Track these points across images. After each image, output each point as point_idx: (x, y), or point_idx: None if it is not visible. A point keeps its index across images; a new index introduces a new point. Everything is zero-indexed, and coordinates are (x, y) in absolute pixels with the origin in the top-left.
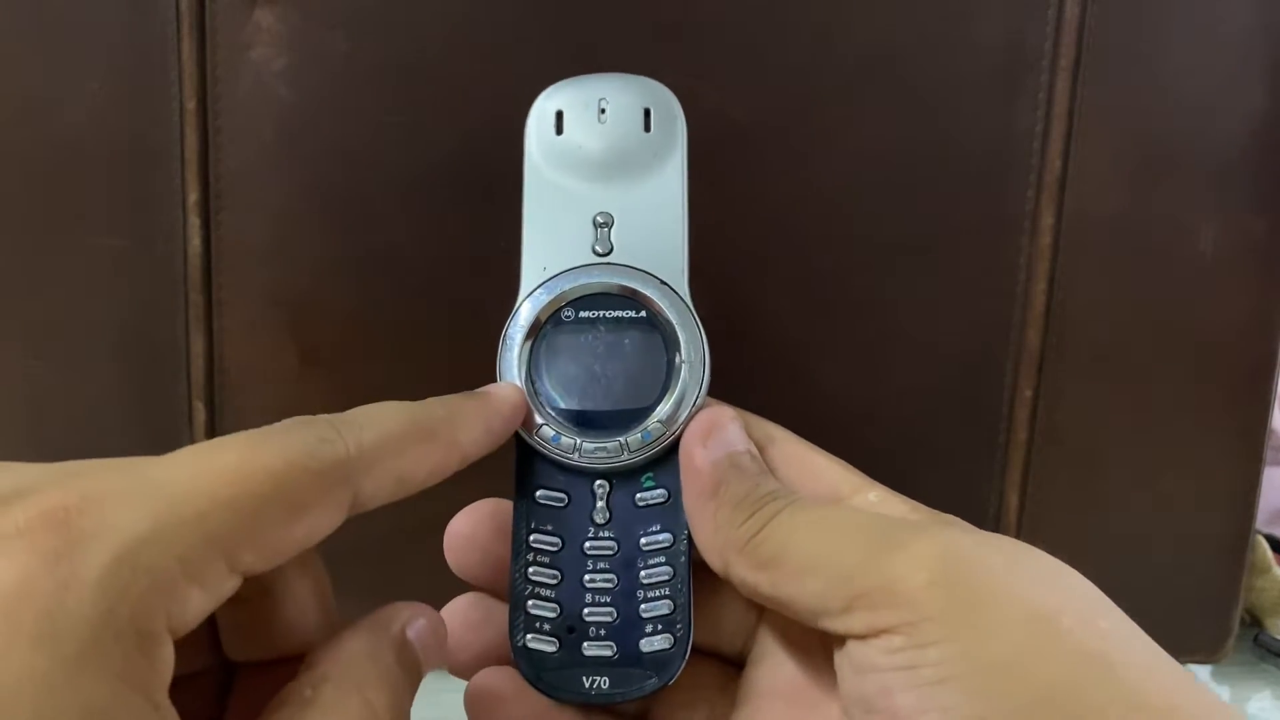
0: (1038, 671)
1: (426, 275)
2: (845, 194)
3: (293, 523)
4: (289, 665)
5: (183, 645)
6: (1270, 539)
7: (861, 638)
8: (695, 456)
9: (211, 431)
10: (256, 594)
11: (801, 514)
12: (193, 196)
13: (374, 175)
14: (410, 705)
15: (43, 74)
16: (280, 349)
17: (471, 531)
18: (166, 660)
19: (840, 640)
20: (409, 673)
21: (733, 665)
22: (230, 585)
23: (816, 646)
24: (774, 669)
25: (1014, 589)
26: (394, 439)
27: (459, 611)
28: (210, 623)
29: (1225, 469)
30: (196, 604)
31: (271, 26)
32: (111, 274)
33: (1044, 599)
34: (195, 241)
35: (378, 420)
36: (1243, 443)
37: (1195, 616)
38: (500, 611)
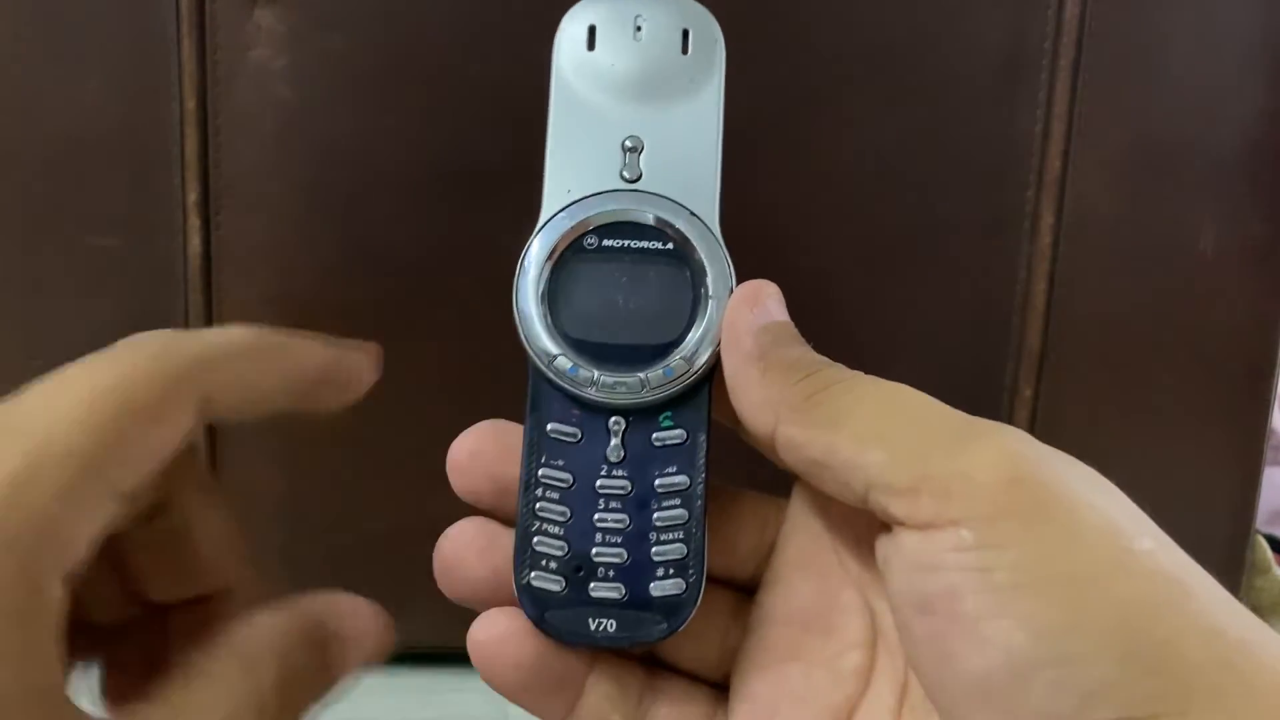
0: (1118, 588)
1: (426, 274)
2: (844, 194)
3: (150, 429)
4: (215, 602)
5: (104, 592)
6: (1270, 539)
7: (922, 528)
8: (742, 319)
9: (211, 431)
10: (163, 533)
11: (868, 384)
12: (193, 196)
13: (374, 175)
14: (317, 700)
15: (43, 74)
16: None
17: (477, 449)
18: (56, 600)
19: (889, 530)
20: (321, 666)
21: (744, 592)
22: (112, 510)
23: (835, 568)
24: (787, 594)
25: (1092, 501)
26: (236, 343)
27: (462, 535)
28: (129, 570)
29: (1225, 469)
30: (82, 535)
31: (271, 26)
32: (111, 274)
33: (1122, 516)
34: (195, 241)
35: (223, 330)
36: (1243, 443)
37: None
38: (506, 537)
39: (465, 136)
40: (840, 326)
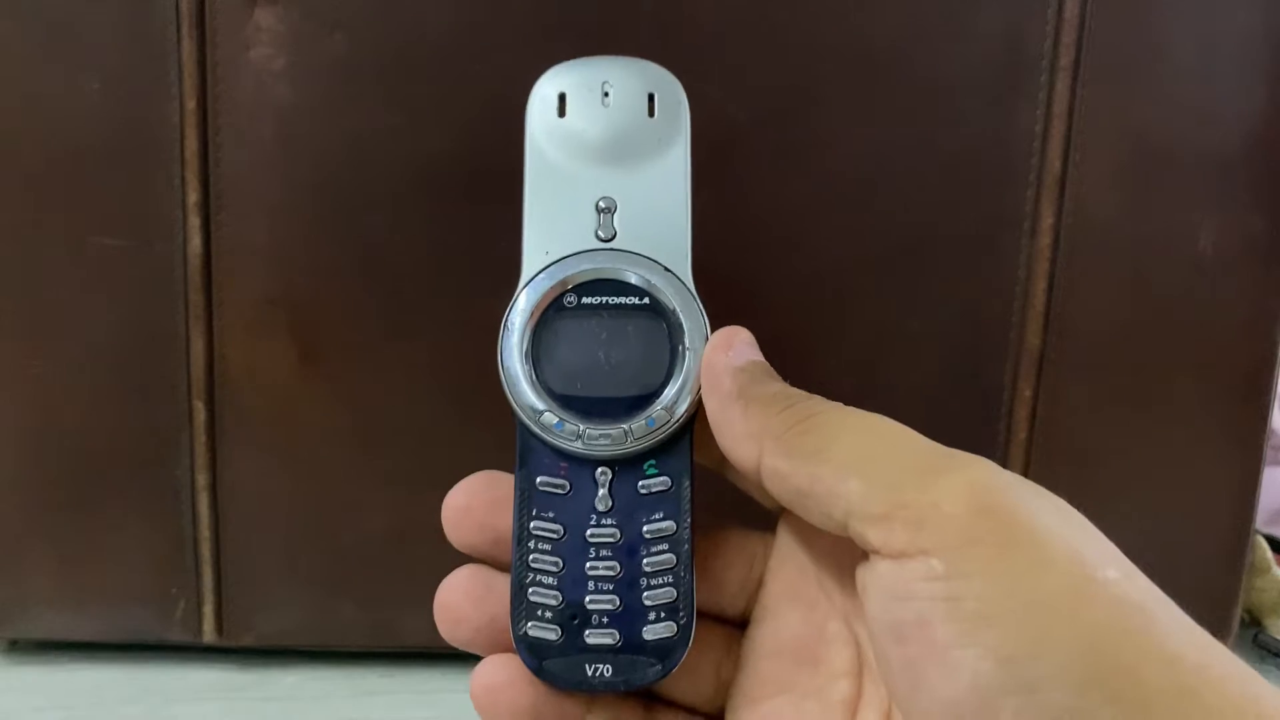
0: (1081, 616)
1: (426, 274)
2: (845, 194)
3: None
4: None
5: None
6: (1270, 539)
7: (896, 557)
8: (719, 362)
9: (211, 431)
10: None
11: (848, 415)
12: (193, 196)
13: (374, 175)
14: None
15: (43, 74)
16: (280, 349)
17: (468, 504)
18: None
19: (868, 558)
20: None
21: (736, 627)
22: None
23: (821, 600)
24: (776, 627)
25: (1057, 530)
26: None
27: (459, 584)
28: None
29: (1225, 469)
30: None
31: (271, 26)
32: (111, 274)
33: (1087, 546)
34: (195, 241)
35: None
36: (1243, 443)
37: (1195, 616)
38: (502, 583)
39: (465, 136)
40: (841, 327)
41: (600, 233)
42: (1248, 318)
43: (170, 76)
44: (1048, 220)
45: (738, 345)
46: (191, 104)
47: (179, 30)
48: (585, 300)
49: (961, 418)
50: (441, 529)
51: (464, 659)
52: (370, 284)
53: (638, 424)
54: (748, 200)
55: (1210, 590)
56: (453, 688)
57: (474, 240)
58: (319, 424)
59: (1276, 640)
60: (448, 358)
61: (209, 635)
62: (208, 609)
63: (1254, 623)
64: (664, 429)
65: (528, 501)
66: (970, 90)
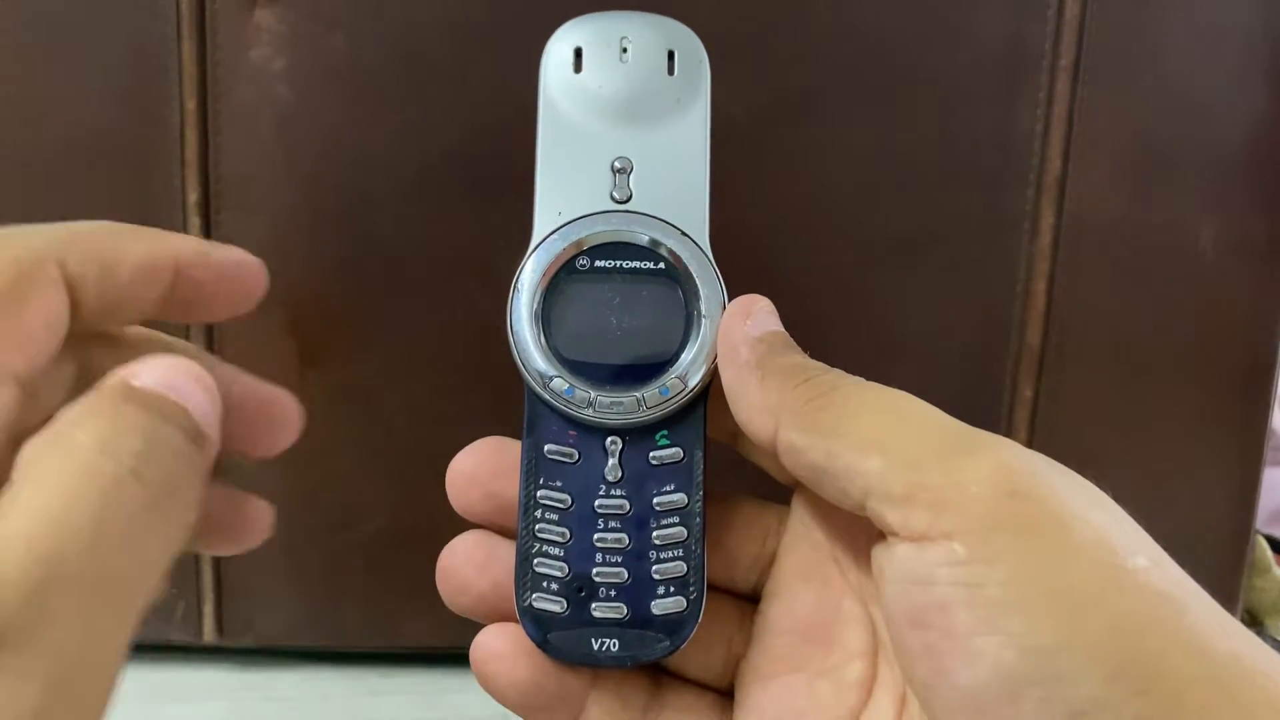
0: (1109, 605)
1: (426, 275)
2: (845, 194)
3: (19, 309)
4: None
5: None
6: (1270, 539)
7: (916, 540)
8: (736, 330)
9: None
10: None
11: (869, 390)
12: (193, 196)
13: (374, 175)
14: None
15: (43, 74)
16: (280, 349)
17: (474, 470)
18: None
19: (885, 539)
20: (152, 426)
21: (748, 600)
22: (10, 395)
23: (836, 577)
24: (789, 604)
25: (1085, 516)
26: (94, 228)
27: (462, 550)
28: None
29: (1225, 469)
30: None
31: (271, 26)
32: None
33: (1116, 532)
34: None
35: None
36: (1243, 443)
37: None
38: (506, 549)
39: (465, 136)
40: (841, 326)
41: (615, 194)
42: (1248, 318)
43: (170, 76)
44: (1048, 220)
45: (756, 314)
46: (191, 104)
47: (179, 30)
48: (598, 263)
49: (961, 418)
50: (442, 529)
51: (464, 659)
52: (371, 284)
53: (650, 392)
54: (745, 201)
55: (1211, 590)
56: (453, 688)
57: (475, 240)
58: (319, 424)
59: (1277, 640)
60: (448, 357)
61: (209, 635)
62: (208, 609)
63: (1254, 623)
64: (677, 398)
65: (535, 470)
66: (970, 90)
